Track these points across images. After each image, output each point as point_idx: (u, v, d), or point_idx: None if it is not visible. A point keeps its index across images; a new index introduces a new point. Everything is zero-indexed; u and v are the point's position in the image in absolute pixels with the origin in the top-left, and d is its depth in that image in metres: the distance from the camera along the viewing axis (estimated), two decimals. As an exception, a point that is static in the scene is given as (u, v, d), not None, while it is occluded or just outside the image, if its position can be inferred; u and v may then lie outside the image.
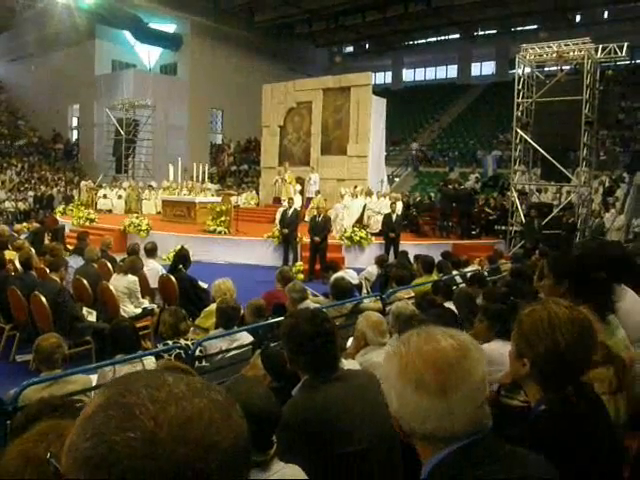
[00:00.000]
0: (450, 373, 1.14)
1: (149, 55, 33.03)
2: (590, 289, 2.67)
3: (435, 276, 7.47)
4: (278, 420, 1.82)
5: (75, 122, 34.27)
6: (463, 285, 6.88)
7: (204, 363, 4.51)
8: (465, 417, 1.14)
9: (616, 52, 14.28)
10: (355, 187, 16.61)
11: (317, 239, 12.25)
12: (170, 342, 4.54)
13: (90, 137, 31.00)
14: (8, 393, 3.27)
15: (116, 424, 0.64)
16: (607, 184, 18.05)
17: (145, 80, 29.12)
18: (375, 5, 29.17)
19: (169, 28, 31.36)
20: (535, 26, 30.65)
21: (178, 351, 4.33)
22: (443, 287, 5.92)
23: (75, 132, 34.47)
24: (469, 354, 1.18)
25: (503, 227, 16.09)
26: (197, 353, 4.39)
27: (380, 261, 9.46)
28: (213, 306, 5.56)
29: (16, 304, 6.66)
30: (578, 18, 30.61)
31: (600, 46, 14.38)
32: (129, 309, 7.14)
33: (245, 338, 4.79)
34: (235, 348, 4.65)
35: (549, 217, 14.38)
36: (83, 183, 23.31)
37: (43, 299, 6.16)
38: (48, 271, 6.91)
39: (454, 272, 8.20)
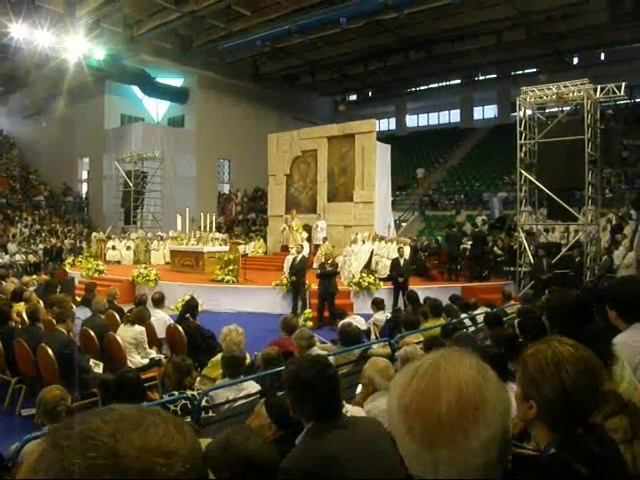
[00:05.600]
0: (440, 431, 0.99)
1: (157, 108, 33.77)
2: (582, 339, 2.55)
3: (443, 320, 7.42)
4: (276, 470, 1.76)
5: (85, 175, 34.77)
6: (473, 328, 6.81)
7: (211, 413, 4.43)
8: (452, 476, 0.99)
9: (614, 92, 14.44)
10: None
11: (319, 271, 12.55)
12: (176, 393, 4.47)
13: (99, 189, 31.43)
14: (9, 449, 3.22)
15: (72, 451, 0.64)
16: (614, 221, 17.98)
17: (153, 133, 29.65)
18: (376, 54, 29.80)
19: (176, 82, 32.14)
20: (534, 69, 31.17)
21: (184, 402, 4.26)
22: (452, 331, 5.88)
23: (85, 185, 34.98)
24: (476, 413, 0.99)
25: (512, 268, 16.00)
26: (203, 403, 4.33)
27: (377, 303, 9.40)
28: (220, 356, 5.51)
29: (22, 357, 6.63)
30: (575, 60, 31.20)
31: (599, 86, 14.57)
32: (136, 360, 7.08)
33: (252, 387, 4.73)
34: (242, 397, 4.58)
35: (558, 256, 14.30)
36: (94, 234, 23.50)
37: (49, 351, 6.12)
38: (55, 323, 6.90)
39: (462, 315, 8.15)
